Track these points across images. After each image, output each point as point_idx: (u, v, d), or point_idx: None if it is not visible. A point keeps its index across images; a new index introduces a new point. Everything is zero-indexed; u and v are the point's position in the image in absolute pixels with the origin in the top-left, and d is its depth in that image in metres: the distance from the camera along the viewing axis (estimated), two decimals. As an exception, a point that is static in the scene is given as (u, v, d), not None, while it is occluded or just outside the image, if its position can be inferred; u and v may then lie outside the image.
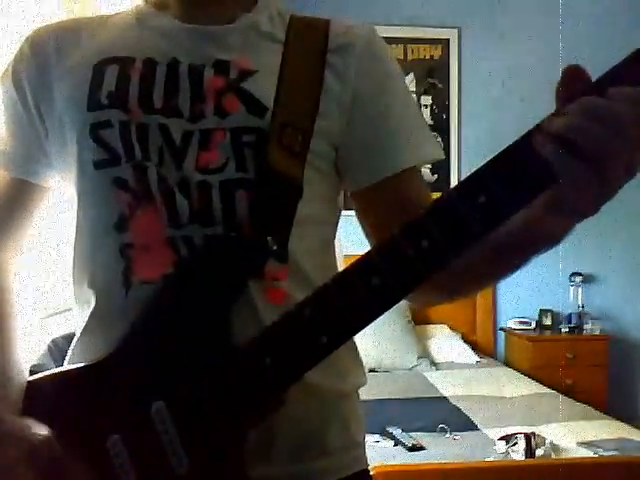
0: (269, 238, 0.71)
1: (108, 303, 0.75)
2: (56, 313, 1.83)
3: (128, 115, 0.74)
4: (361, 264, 0.60)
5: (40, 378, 0.76)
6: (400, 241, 0.58)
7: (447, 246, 0.56)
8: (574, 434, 2.29)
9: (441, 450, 2.14)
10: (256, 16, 0.81)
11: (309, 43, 0.79)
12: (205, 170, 0.73)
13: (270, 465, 0.74)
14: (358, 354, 0.88)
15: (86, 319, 0.77)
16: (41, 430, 0.69)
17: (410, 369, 3.51)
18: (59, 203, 0.86)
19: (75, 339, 0.80)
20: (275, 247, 0.72)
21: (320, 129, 0.76)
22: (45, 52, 0.80)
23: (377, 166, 0.80)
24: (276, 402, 0.68)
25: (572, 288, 4.07)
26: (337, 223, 0.87)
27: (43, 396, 0.75)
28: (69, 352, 0.81)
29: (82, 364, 0.75)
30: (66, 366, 0.78)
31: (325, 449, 0.79)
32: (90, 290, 0.76)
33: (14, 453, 0.66)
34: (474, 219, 0.54)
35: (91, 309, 0.76)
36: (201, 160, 0.73)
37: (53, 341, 1.66)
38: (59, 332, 1.70)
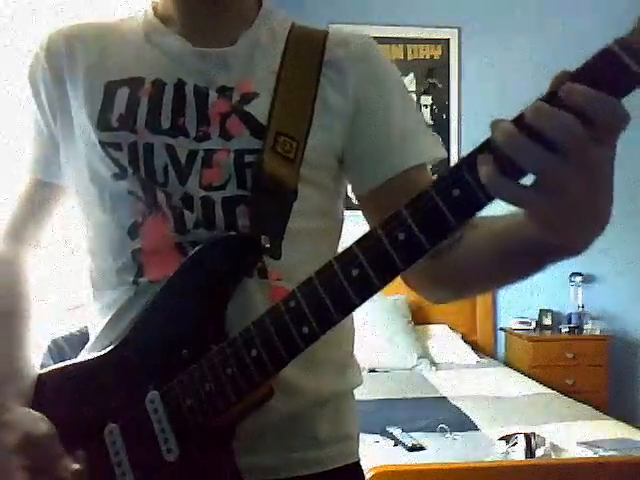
0: (263, 236, 0.74)
1: (120, 302, 0.79)
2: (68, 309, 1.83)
3: (136, 136, 0.78)
4: (342, 257, 0.62)
5: (51, 371, 0.81)
6: (378, 234, 0.60)
7: (422, 238, 0.57)
8: (574, 434, 2.28)
9: (441, 450, 2.14)
10: (257, 32, 0.84)
11: (306, 56, 0.82)
12: (208, 187, 0.77)
13: (261, 454, 0.78)
14: (354, 355, 0.90)
15: (102, 318, 0.82)
16: (44, 422, 0.72)
17: (410, 369, 3.51)
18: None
19: (93, 337, 0.84)
20: (268, 245, 0.74)
21: (320, 141, 0.79)
22: (59, 61, 0.83)
23: (379, 169, 0.82)
24: (264, 394, 0.70)
25: (572, 288, 4.07)
26: (338, 233, 0.90)
27: (53, 387, 0.79)
28: (86, 347, 0.85)
29: (88, 357, 0.80)
30: (74, 359, 0.82)
31: (316, 441, 0.82)
32: (105, 292, 0.81)
33: (13, 441, 0.69)
34: (448, 211, 0.55)
35: (105, 309, 0.81)
36: (204, 178, 0.77)
37: (53, 341, 1.66)
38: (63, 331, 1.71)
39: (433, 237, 0.57)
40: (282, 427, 0.79)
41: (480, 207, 0.55)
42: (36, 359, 0.82)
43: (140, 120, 0.78)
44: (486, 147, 0.53)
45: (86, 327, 0.89)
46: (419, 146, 0.84)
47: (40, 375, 0.80)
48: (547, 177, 0.50)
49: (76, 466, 0.70)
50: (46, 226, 0.90)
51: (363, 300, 0.62)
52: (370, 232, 0.61)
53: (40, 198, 0.88)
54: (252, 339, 0.67)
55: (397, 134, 0.82)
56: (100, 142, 0.78)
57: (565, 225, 0.54)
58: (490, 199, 0.54)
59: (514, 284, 0.71)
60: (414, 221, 0.57)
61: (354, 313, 0.89)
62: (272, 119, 0.77)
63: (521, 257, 0.65)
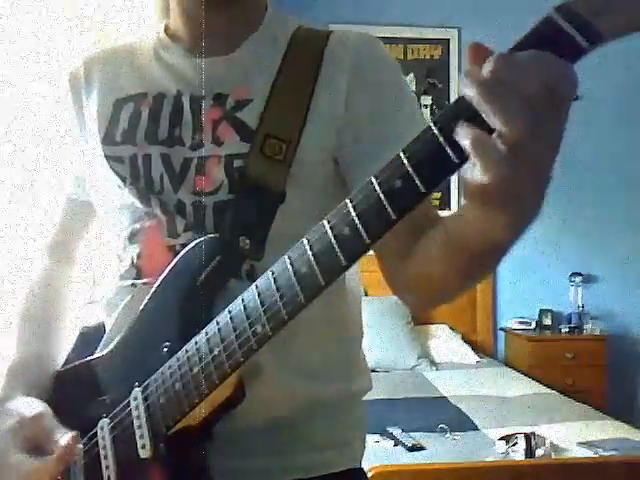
0: (241, 237, 0.75)
1: (122, 304, 0.83)
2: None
3: (136, 148, 0.82)
4: (294, 251, 0.61)
5: (65, 369, 0.87)
6: (324, 229, 0.58)
7: (366, 232, 0.55)
8: (574, 434, 2.29)
9: (441, 450, 2.14)
10: (259, 38, 0.85)
11: (306, 58, 0.82)
12: (200, 194, 0.79)
13: (252, 458, 0.78)
14: (360, 361, 0.90)
15: (109, 319, 0.86)
16: (38, 404, 0.77)
17: (410, 369, 3.51)
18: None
19: (105, 337, 0.89)
20: (247, 246, 0.74)
21: (313, 141, 0.79)
22: (78, 85, 0.91)
23: (374, 169, 0.79)
24: (232, 395, 0.70)
25: (572, 288, 4.07)
26: None
27: (65, 383, 0.85)
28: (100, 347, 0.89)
29: (94, 356, 0.84)
30: (85, 359, 0.86)
31: (311, 445, 0.82)
32: (111, 294, 0.86)
33: (9, 425, 0.75)
34: (390, 204, 0.54)
35: (111, 310, 0.85)
36: (197, 185, 0.79)
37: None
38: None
39: (374, 231, 0.55)
40: (274, 431, 0.79)
41: (419, 199, 0.53)
42: (61, 359, 0.89)
43: (140, 133, 0.82)
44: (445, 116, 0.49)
45: (84, 327, 0.95)
46: None
47: (58, 372, 0.86)
48: (518, 131, 0.45)
49: (66, 439, 0.73)
50: (79, 241, 0.98)
51: (309, 300, 0.60)
52: (317, 228, 0.59)
53: (75, 215, 0.96)
54: (216, 339, 0.67)
55: (391, 134, 0.80)
56: (106, 157, 0.83)
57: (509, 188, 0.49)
58: (431, 189, 0.52)
59: (480, 279, 0.69)
60: (357, 214, 0.55)
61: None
62: (262, 122, 0.78)
63: (476, 249, 0.61)
